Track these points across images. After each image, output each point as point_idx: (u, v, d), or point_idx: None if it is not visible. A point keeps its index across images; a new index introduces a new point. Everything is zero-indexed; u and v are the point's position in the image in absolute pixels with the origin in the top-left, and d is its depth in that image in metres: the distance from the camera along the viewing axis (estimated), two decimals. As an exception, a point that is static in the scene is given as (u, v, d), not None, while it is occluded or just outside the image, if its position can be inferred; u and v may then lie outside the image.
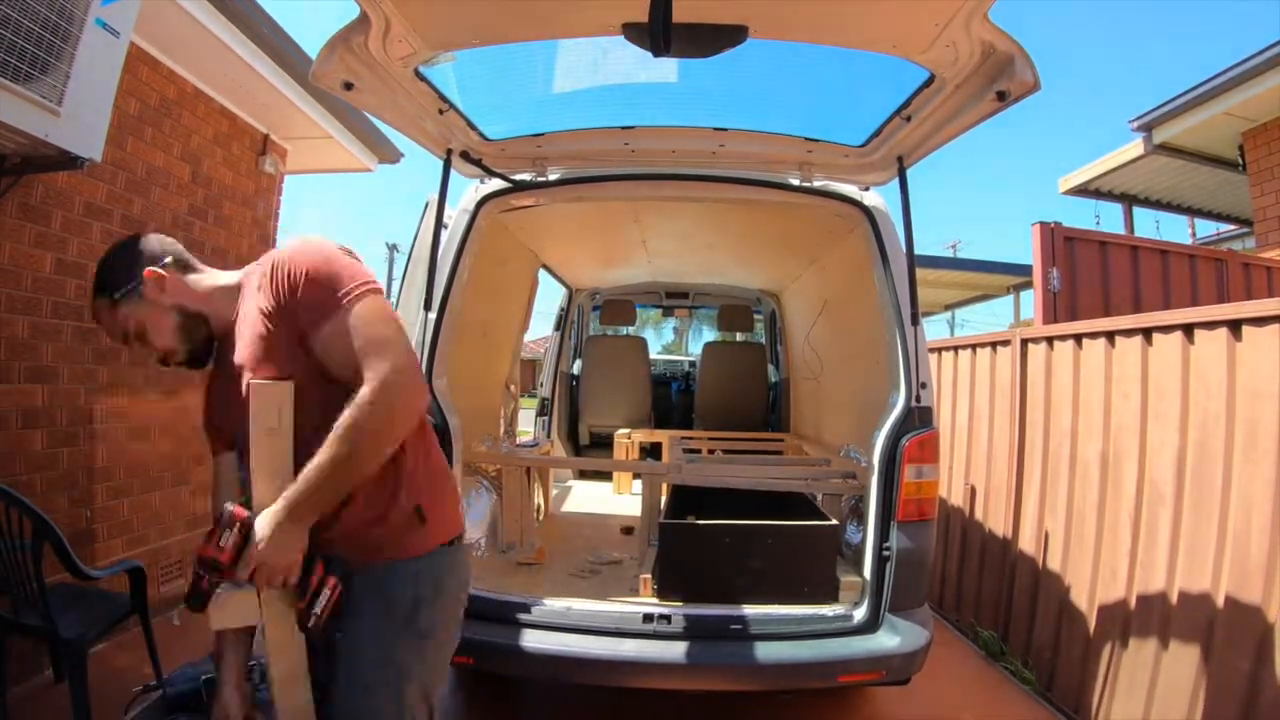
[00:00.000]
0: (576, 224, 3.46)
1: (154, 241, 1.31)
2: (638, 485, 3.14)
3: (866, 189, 2.45)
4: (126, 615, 2.35)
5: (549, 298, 5.11)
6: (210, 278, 1.33)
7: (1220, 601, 2.10)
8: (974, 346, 3.70)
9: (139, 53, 3.10)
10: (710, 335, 7.06)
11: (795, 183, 2.41)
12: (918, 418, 2.17)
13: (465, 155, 2.26)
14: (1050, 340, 3.05)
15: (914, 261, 2.25)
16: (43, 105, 2.08)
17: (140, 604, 2.38)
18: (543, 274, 4.15)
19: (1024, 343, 3.23)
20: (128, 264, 1.25)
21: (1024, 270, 8.15)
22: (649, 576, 2.29)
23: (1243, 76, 4.67)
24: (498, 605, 2.15)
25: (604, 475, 4.44)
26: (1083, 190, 7.01)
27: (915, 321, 2.21)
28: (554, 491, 3.86)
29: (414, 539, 1.25)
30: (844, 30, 1.63)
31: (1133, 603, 2.45)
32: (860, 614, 2.14)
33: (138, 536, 3.26)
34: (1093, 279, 4.06)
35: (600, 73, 1.97)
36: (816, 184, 2.41)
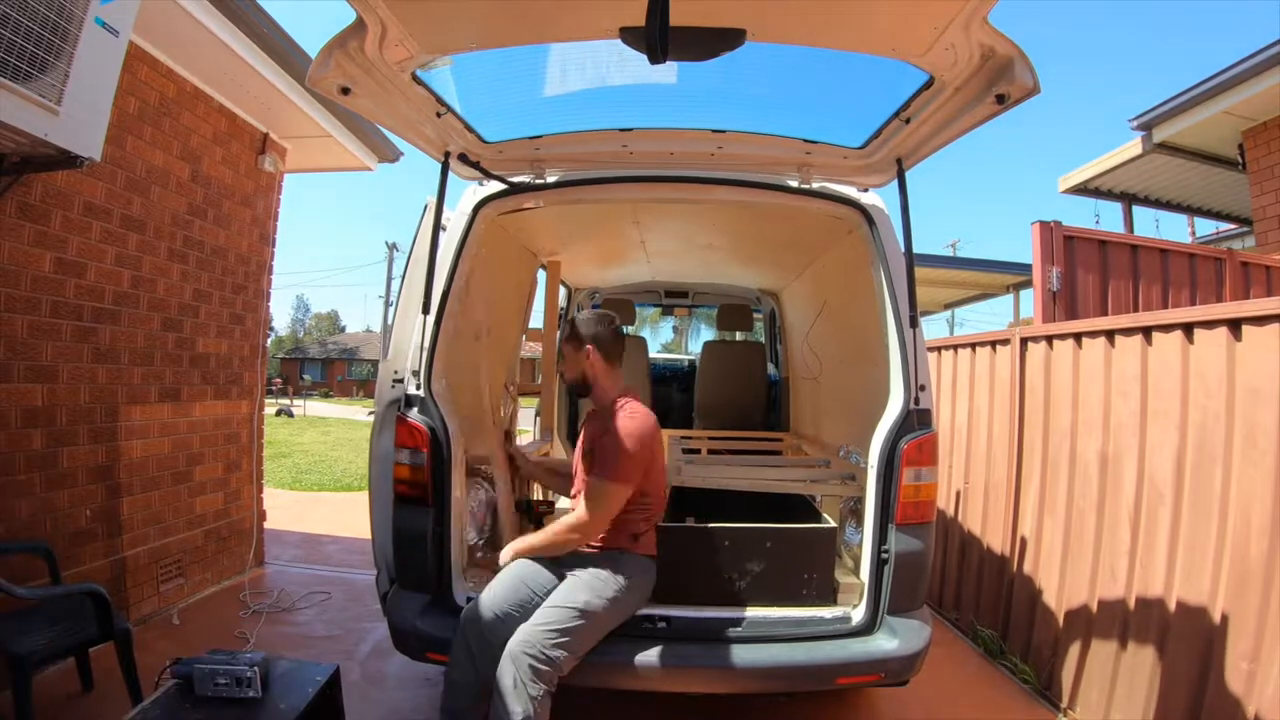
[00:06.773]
0: (575, 225, 3.45)
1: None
2: None
3: (865, 190, 2.45)
4: (94, 641, 2.27)
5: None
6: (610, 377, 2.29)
7: (1220, 601, 2.11)
8: (973, 345, 3.70)
9: (138, 52, 3.09)
10: (709, 334, 7.06)
11: (794, 184, 2.40)
12: (916, 420, 2.16)
13: (463, 158, 2.25)
14: (1049, 339, 3.05)
15: (913, 263, 2.24)
16: (42, 104, 2.07)
17: (106, 629, 2.28)
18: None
19: (1023, 341, 3.23)
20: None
21: (1023, 269, 8.15)
22: (648, 577, 2.29)
23: (1243, 75, 4.67)
24: None
25: None
26: (1082, 189, 7.01)
27: (914, 323, 2.20)
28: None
29: None
30: (843, 33, 1.62)
31: (1132, 602, 2.45)
32: (859, 616, 2.14)
33: (138, 535, 3.27)
34: (1092, 278, 4.07)
35: (598, 75, 1.97)
36: (815, 185, 2.41)
